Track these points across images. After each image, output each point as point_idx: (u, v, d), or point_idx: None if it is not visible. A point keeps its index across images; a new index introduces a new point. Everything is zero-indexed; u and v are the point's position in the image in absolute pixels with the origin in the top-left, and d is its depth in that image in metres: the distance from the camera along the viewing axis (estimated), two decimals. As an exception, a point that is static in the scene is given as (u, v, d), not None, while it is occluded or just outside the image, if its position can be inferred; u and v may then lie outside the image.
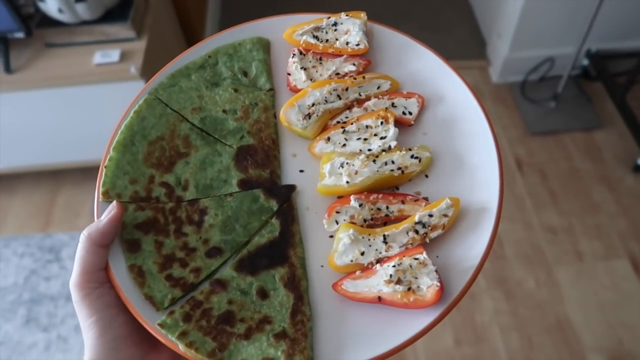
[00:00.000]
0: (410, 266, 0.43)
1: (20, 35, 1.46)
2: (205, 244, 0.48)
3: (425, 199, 0.49)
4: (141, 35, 1.59)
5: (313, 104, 0.53)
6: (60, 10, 1.43)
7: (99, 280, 0.45)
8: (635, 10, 1.93)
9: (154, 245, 0.48)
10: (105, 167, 0.51)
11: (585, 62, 2.10)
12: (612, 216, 1.79)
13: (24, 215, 1.93)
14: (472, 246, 0.45)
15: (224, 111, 0.55)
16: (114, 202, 0.47)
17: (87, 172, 2.00)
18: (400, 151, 0.50)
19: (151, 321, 0.44)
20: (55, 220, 1.92)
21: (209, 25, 2.30)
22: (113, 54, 1.54)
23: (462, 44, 2.30)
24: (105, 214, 0.46)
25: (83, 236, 0.45)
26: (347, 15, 0.56)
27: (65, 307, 1.71)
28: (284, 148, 0.54)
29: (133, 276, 0.46)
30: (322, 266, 0.47)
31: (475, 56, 2.25)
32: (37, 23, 1.55)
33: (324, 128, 0.53)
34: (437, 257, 0.45)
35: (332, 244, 0.48)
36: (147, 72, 1.55)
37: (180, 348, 0.42)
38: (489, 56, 2.21)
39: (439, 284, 0.42)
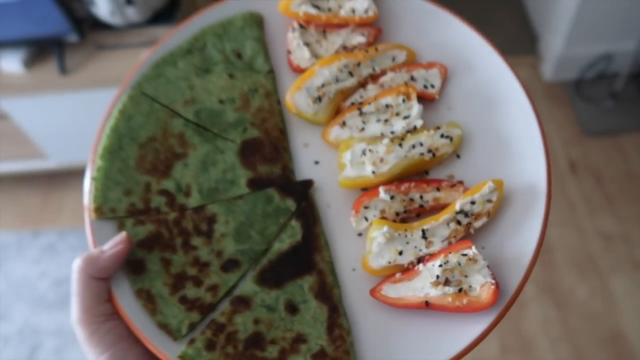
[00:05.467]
0: (459, 264, 0.38)
1: (74, 38, 1.51)
2: (219, 256, 0.43)
3: (460, 182, 0.43)
4: None
5: (323, 85, 0.46)
6: (111, 14, 1.48)
7: (105, 313, 0.39)
8: None
9: (160, 264, 0.42)
10: (93, 179, 0.44)
11: (647, 58, 1.92)
12: (673, 223, 1.63)
13: (78, 210, 1.90)
14: (523, 234, 0.40)
15: (221, 101, 0.48)
16: (123, 234, 0.41)
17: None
18: (428, 131, 0.44)
19: (170, 353, 0.38)
20: (106, 217, 1.95)
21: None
22: None
23: (512, 39, 2.13)
24: (110, 246, 0.40)
25: (78, 268, 0.39)
26: (350, -21, 0.49)
27: (115, 302, 1.77)
28: (294, 138, 0.48)
29: (142, 303, 0.40)
30: (353, 270, 0.42)
31: (526, 52, 2.08)
32: (90, 26, 1.57)
33: (338, 111, 0.47)
34: (484, 248, 0.40)
35: (361, 243, 0.43)
36: (192, 74, 1.56)
37: (208, 382, 0.37)
38: (541, 52, 2.04)
39: (494, 281, 0.37)
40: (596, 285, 1.56)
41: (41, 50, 1.61)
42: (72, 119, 1.70)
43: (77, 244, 1.83)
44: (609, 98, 1.91)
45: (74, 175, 1.97)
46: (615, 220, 1.68)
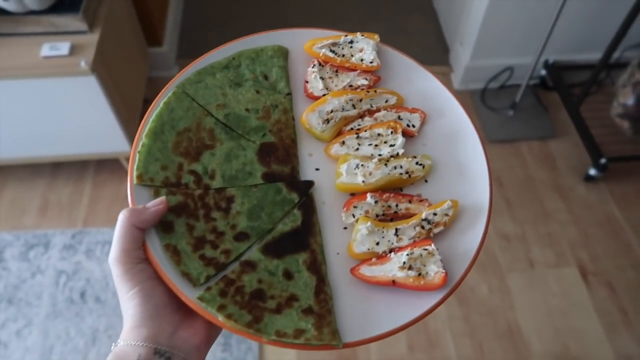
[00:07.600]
0: (420, 255, 0.51)
1: (-42, 21, 1.36)
2: (233, 228, 0.53)
3: (426, 199, 0.57)
4: (94, 29, 1.51)
5: (332, 111, 0.59)
6: (4, -2, 1.35)
7: (138, 256, 0.48)
8: (590, 24, 2.01)
9: (185, 228, 0.52)
10: (138, 152, 0.54)
11: (543, 72, 2.18)
12: (563, 225, 1.85)
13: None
14: (468, 240, 0.53)
15: (247, 110, 0.60)
16: (163, 198, 0.51)
17: (34, 169, 1.92)
18: (407, 158, 0.58)
19: (190, 296, 0.48)
20: (-1, 218, 1.81)
21: (169, 20, 2.26)
22: (62, 47, 1.46)
23: (427, 49, 2.34)
24: (152, 205, 0.50)
25: (123, 217, 0.48)
26: (362, 35, 0.64)
27: (6, 310, 1.60)
28: (302, 148, 0.60)
29: (169, 254, 0.50)
30: (337, 253, 0.54)
31: (439, 62, 2.29)
32: (-21, 9, 1.45)
33: (339, 133, 0.60)
34: (438, 249, 0.53)
35: (345, 235, 0.55)
36: (98, 67, 1.47)
37: (220, 319, 0.47)
38: (451, 63, 2.26)
39: (444, 270, 0.50)
40: (496, 283, 1.71)
41: None
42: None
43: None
44: (510, 108, 2.11)
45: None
46: (513, 222, 1.85)
